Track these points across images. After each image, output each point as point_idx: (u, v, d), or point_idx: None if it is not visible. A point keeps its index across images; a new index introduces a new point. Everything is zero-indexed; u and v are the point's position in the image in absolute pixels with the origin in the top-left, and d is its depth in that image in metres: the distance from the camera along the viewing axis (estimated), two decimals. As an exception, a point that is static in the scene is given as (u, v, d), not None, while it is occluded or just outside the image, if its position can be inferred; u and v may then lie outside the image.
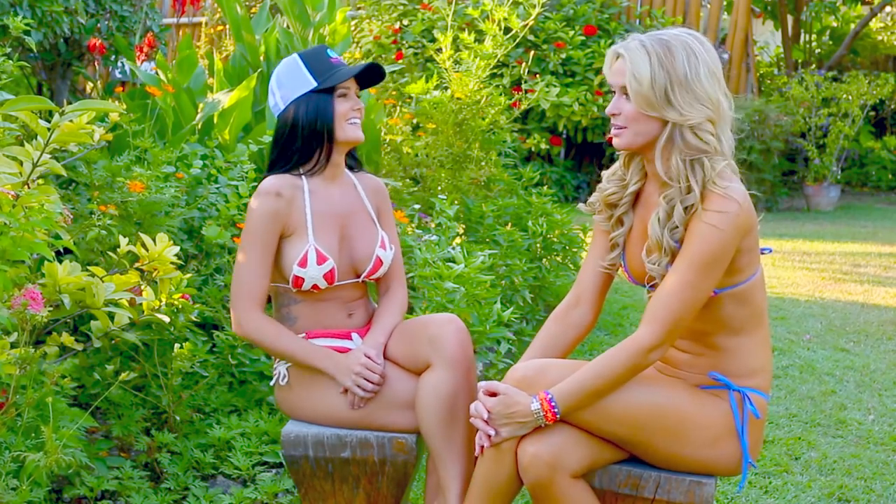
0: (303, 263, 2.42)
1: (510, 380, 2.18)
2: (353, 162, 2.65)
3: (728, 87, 2.18)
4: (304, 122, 2.47)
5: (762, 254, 2.22)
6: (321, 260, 2.43)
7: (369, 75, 2.56)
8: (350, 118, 2.50)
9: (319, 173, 2.52)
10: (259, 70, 4.98)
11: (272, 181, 2.47)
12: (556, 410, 2.09)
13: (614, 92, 2.15)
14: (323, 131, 2.47)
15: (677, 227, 2.10)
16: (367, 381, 2.38)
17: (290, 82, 2.49)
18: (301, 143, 2.48)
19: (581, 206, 2.40)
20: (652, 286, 2.20)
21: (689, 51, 2.07)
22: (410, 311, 3.49)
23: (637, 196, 2.27)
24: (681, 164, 2.08)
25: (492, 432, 2.13)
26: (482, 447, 2.17)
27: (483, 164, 5.14)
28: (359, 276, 2.54)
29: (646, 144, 2.14)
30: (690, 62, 2.06)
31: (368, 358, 2.40)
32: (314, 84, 2.47)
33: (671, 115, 2.07)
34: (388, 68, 5.84)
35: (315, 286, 2.45)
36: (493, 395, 2.15)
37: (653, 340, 2.07)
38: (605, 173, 2.32)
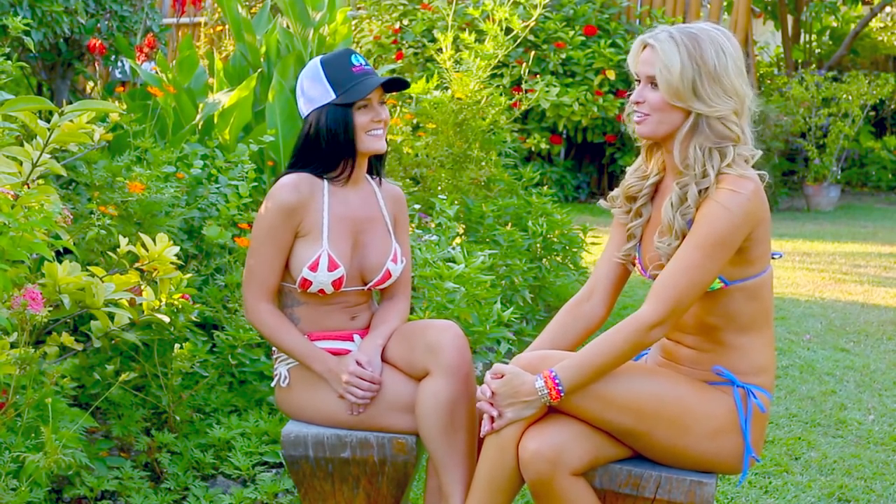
0: (314, 267, 2.42)
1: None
2: (377, 168, 2.62)
3: None
4: (326, 134, 2.44)
5: (773, 258, 2.23)
6: (333, 266, 2.43)
7: (394, 82, 2.51)
8: (370, 130, 2.46)
9: (342, 181, 2.51)
10: (259, 70, 4.98)
11: (291, 177, 2.46)
12: (559, 388, 2.09)
13: (638, 81, 2.19)
14: (345, 144, 2.45)
15: (690, 207, 2.12)
16: (359, 388, 2.38)
17: (311, 91, 2.46)
18: (325, 152, 2.46)
19: (601, 202, 2.41)
20: None
21: (717, 45, 2.11)
22: (411, 311, 3.49)
23: (656, 189, 2.29)
24: (699, 151, 2.12)
25: (495, 413, 2.14)
26: (487, 431, 2.17)
27: (483, 164, 5.14)
28: (365, 284, 2.54)
29: (668, 134, 2.17)
30: (719, 55, 2.11)
31: (360, 365, 2.40)
32: (332, 97, 2.43)
33: (698, 106, 2.11)
34: (386, 67, 5.84)
35: (321, 290, 2.45)
36: (501, 377, 2.16)
37: (654, 318, 2.08)
38: (629, 168, 2.35)
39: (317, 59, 2.48)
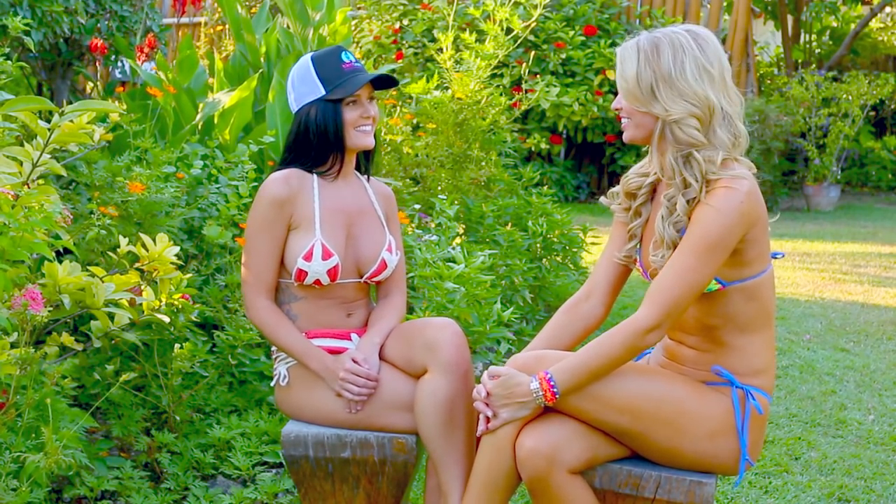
0: (308, 257, 2.43)
1: (510, 367, 2.19)
2: (366, 165, 2.64)
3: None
4: (315, 129, 2.48)
5: (774, 258, 2.23)
6: (327, 255, 2.44)
7: (385, 78, 2.54)
8: (359, 126, 2.49)
9: (331, 176, 2.53)
10: (260, 70, 4.98)
11: (281, 172, 2.49)
12: (554, 390, 2.09)
13: None
14: (334, 139, 2.48)
15: (680, 216, 2.13)
16: (354, 385, 2.38)
17: (301, 87, 2.50)
18: (315, 148, 2.50)
19: (602, 198, 2.42)
20: None
21: (676, 48, 2.12)
22: (410, 311, 3.48)
23: (655, 189, 2.30)
24: (673, 160, 2.14)
25: (490, 413, 2.14)
26: (483, 431, 2.18)
27: (483, 164, 5.14)
28: (361, 277, 2.54)
29: (647, 137, 2.19)
30: (676, 59, 2.11)
31: (356, 362, 2.40)
32: (322, 92, 2.47)
33: (657, 109, 2.13)
34: (386, 67, 5.84)
35: (317, 281, 2.45)
36: (496, 378, 2.17)
37: (650, 322, 2.08)
38: (634, 166, 2.36)
39: (307, 56, 2.52)
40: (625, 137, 2.25)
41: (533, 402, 2.12)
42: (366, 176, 2.64)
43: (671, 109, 2.11)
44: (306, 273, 2.44)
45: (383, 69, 5.83)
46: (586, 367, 2.10)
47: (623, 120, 2.22)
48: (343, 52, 2.50)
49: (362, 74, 2.49)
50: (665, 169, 2.16)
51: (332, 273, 2.45)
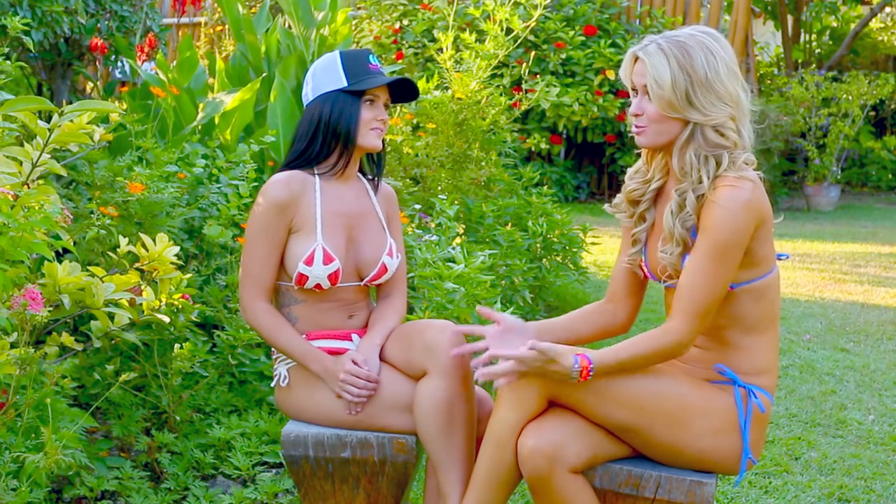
0: (309, 262, 2.42)
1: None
2: (376, 171, 2.63)
3: None
4: (327, 120, 2.47)
5: (779, 259, 2.23)
6: (328, 260, 2.43)
7: (403, 92, 2.55)
8: (373, 126, 2.49)
9: (334, 175, 2.52)
10: (264, 74, 4.98)
11: (282, 174, 2.48)
12: (590, 377, 2.09)
13: (636, 91, 2.18)
14: (345, 133, 2.47)
15: (689, 214, 2.13)
16: (354, 386, 2.38)
17: (323, 76, 2.50)
18: (322, 140, 2.49)
19: (606, 206, 2.42)
20: (669, 284, 2.23)
21: (706, 50, 2.10)
22: (410, 311, 3.48)
23: (659, 193, 2.29)
24: (694, 158, 2.12)
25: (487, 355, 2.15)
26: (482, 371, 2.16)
27: (483, 164, 5.14)
28: (362, 280, 2.54)
29: (668, 143, 2.18)
30: (709, 62, 2.09)
31: (356, 364, 2.40)
32: (344, 84, 2.47)
33: (694, 115, 2.11)
34: (388, 69, 5.84)
35: (318, 286, 2.45)
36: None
37: (686, 334, 2.10)
38: (629, 171, 2.35)
39: (335, 51, 2.53)
40: (641, 142, 2.20)
41: (564, 376, 2.09)
42: (373, 179, 2.63)
43: (711, 114, 2.09)
44: (307, 277, 2.43)
45: (384, 70, 5.84)
46: (623, 362, 2.11)
47: (640, 126, 2.17)
48: (371, 55, 2.53)
49: (386, 77, 2.51)
50: (685, 166, 2.14)
51: (333, 278, 2.45)
